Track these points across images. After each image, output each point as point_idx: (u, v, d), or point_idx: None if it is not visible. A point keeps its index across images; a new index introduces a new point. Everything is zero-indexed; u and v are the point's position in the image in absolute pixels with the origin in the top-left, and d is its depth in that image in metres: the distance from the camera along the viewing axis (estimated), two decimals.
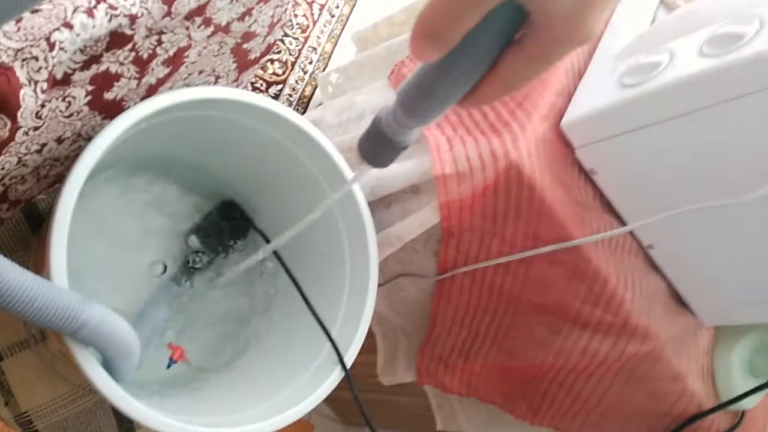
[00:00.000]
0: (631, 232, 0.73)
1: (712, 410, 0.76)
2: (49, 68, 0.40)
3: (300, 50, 1.33)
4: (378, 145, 0.39)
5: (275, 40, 0.64)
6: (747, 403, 0.78)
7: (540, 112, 0.66)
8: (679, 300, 0.78)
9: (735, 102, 0.54)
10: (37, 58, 0.39)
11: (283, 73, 1.28)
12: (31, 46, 0.38)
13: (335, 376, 0.61)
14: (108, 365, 0.47)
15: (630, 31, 0.71)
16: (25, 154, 0.49)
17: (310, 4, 1.37)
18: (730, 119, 0.56)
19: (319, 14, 1.39)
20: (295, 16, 1.32)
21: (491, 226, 0.69)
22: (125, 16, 0.42)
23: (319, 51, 1.36)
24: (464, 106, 0.33)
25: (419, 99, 0.32)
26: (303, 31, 1.34)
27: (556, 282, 0.70)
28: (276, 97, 1.29)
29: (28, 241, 0.67)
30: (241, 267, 0.62)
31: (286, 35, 1.30)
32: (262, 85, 1.24)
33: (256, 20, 0.57)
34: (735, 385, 0.79)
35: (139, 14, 0.43)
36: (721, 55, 0.53)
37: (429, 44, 0.28)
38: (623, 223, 0.72)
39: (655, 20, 0.71)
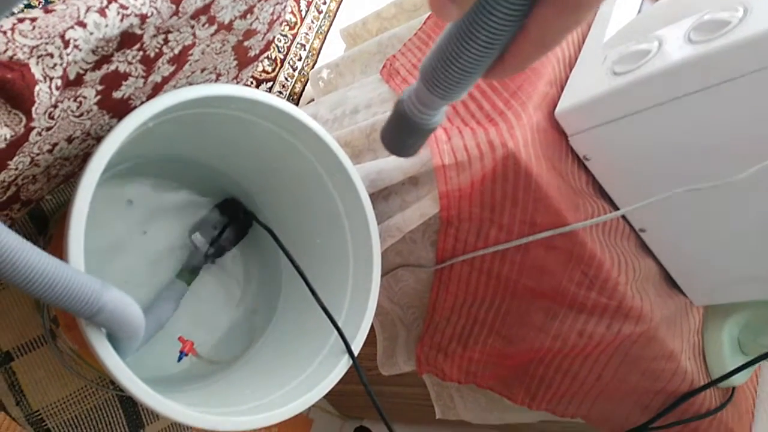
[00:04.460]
0: (623, 217, 0.75)
1: (704, 387, 0.79)
2: (64, 65, 0.41)
3: (288, 47, 1.33)
4: (402, 131, 0.36)
5: (274, 37, 0.65)
6: (737, 380, 0.80)
7: (534, 101, 0.68)
8: (670, 281, 0.80)
9: (723, 86, 0.57)
10: (52, 55, 0.40)
11: (273, 70, 1.29)
12: (46, 43, 0.39)
13: (343, 365, 0.62)
14: (111, 344, 0.48)
15: (618, 20, 0.73)
16: (38, 154, 0.49)
17: (297, 1, 1.38)
18: (718, 103, 0.58)
19: (307, 11, 1.39)
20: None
21: (489, 215, 0.71)
22: (136, 15, 0.43)
23: (307, 47, 1.37)
24: (492, 76, 0.30)
25: (442, 70, 0.29)
26: (291, 28, 1.35)
27: (552, 267, 0.72)
28: None
29: (35, 242, 0.67)
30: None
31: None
32: (252, 82, 1.24)
33: (257, 18, 0.58)
34: (725, 363, 0.82)
35: (149, 14, 0.44)
36: (708, 42, 0.55)
37: None
38: (616, 208, 0.74)
39: (642, 9, 0.73)
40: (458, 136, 0.69)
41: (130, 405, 0.73)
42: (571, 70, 0.73)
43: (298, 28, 1.37)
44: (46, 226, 0.68)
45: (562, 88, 0.71)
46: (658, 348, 0.75)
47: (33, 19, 0.39)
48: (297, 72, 1.34)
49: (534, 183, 0.66)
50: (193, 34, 0.53)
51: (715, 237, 0.71)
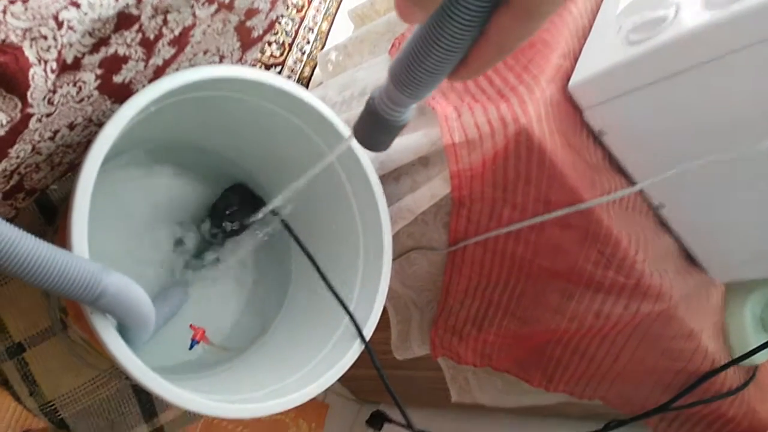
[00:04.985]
0: (641, 192, 0.73)
1: (726, 366, 0.77)
2: (59, 47, 0.40)
3: (296, 30, 1.32)
4: (373, 127, 0.37)
5: (277, 17, 0.64)
6: (760, 358, 0.78)
7: (547, 74, 0.65)
8: (690, 258, 0.78)
9: (742, 52, 0.54)
10: (45, 37, 0.39)
11: (281, 54, 1.27)
12: (40, 25, 0.38)
13: (355, 349, 0.61)
14: (122, 335, 0.47)
15: None
16: (39, 142, 0.48)
17: None
18: (738, 70, 0.56)
19: None
20: None
21: (502, 194, 0.69)
22: None
23: (315, 30, 1.35)
24: (456, 77, 0.31)
25: (410, 72, 0.31)
26: (299, 11, 1.33)
27: (567, 246, 0.71)
28: None
29: (44, 232, 0.67)
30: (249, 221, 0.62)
31: (282, 16, 1.29)
32: (260, 67, 1.23)
33: None
34: (747, 341, 0.80)
35: None
36: (727, 5, 0.53)
37: (414, 2, 0.27)
38: (633, 183, 0.72)
39: None
40: (468, 113, 0.68)
41: (144, 394, 0.73)
42: (584, 42, 0.71)
43: (306, 11, 1.35)
44: (55, 217, 0.67)
45: (576, 61, 0.69)
46: (678, 327, 0.73)
47: (25, 0, 0.38)
48: (306, 56, 1.32)
49: (548, 160, 0.64)
50: (193, 14, 0.51)
51: (736, 211, 0.69)
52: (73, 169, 0.59)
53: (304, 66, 1.32)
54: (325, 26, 1.38)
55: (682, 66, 0.58)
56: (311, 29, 1.35)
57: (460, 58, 0.30)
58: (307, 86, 1.33)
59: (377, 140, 0.39)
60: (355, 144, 0.68)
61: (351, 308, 0.65)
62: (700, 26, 0.55)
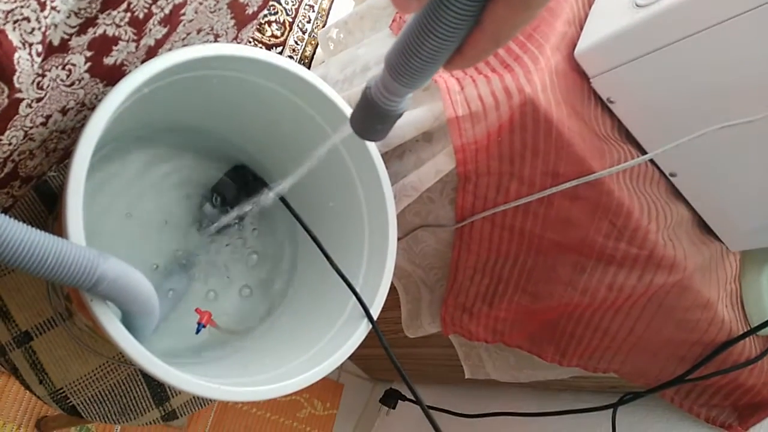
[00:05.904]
0: (652, 161, 0.71)
1: (743, 336, 0.76)
2: (42, 29, 0.38)
3: (297, 9, 1.29)
4: (370, 117, 0.38)
5: None
6: None
7: (552, 42, 0.63)
8: (704, 227, 0.77)
9: (751, 14, 0.52)
10: (29, 19, 0.37)
11: (282, 34, 1.26)
12: (21, 7, 0.37)
13: (363, 329, 0.61)
14: (128, 325, 0.47)
15: None
16: (31, 128, 0.48)
17: None
18: (749, 32, 0.54)
19: None
20: None
21: (508, 168, 0.67)
22: None
23: (316, 8, 1.33)
24: (452, 66, 0.31)
25: (406, 61, 0.31)
26: None
27: (578, 219, 0.69)
28: None
29: (45, 220, 0.66)
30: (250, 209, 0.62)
31: None
32: (261, 48, 1.21)
33: None
34: (765, 309, 0.78)
35: None
36: None
37: None
38: (644, 153, 0.70)
39: None
40: (472, 85, 0.66)
41: (153, 379, 0.73)
42: (590, 8, 0.69)
43: None
44: (56, 204, 0.67)
45: (582, 28, 0.67)
46: (693, 297, 0.72)
47: None
48: (307, 35, 1.30)
49: (555, 130, 0.62)
50: None
51: (751, 177, 0.67)
52: (69, 155, 0.58)
53: (305, 45, 1.30)
54: (326, 4, 1.35)
55: (692, 29, 0.55)
56: (311, 7, 1.32)
57: (455, 47, 0.30)
58: (309, 66, 1.31)
59: (374, 129, 0.39)
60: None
61: (357, 288, 0.64)
62: None
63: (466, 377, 1.07)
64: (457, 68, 0.32)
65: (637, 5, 0.58)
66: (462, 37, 0.29)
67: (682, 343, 0.77)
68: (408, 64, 0.31)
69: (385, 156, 0.74)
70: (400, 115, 0.38)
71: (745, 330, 0.77)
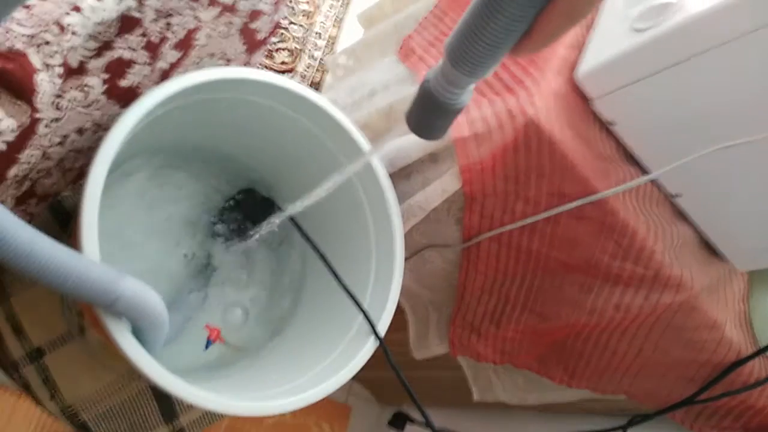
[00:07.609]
0: (656, 182, 0.72)
1: (752, 356, 0.75)
2: (63, 52, 0.40)
3: (306, 37, 1.33)
4: (429, 113, 0.34)
5: (281, 19, 0.64)
6: None
7: (553, 66, 0.65)
8: (709, 247, 0.77)
9: (751, 36, 0.53)
10: (49, 43, 0.39)
11: (292, 61, 1.29)
12: (43, 31, 0.39)
13: (370, 345, 0.61)
14: (139, 339, 0.48)
15: None
16: (49, 147, 0.49)
17: None
18: (747, 54, 0.55)
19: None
20: (299, 2, 1.32)
21: (514, 188, 0.68)
22: None
23: (325, 36, 1.36)
24: (520, 51, 0.28)
25: (468, 47, 0.28)
26: (307, 18, 1.34)
27: (583, 239, 0.70)
28: None
29: (59, 238, 0.68)
30: (262, 230, 0.63)
31: (291, 23, 1.31)
32: None
33: None
34: None
35: None
36: None
37: None
38: (647, 173, 0.71)
39: None
40: (475, 108, 0.67)
41: (163, 396, 0.73)
42: (590, 32, 0.70)
43: (315, 18, 1.36)
44: (69, 223, 0.68)
45: (582, 51, 0.68)
46: (700, 317, 0.72)
47: (29, 7, 0.39)
48: (316, 62, 1.33)
49: (558, 151, 0.63)
50: (196, 17, 0.52)
51: (756, 197, 0.67)
52: (84, 174, 0.60)
53: (315, 71, 1.33)
54: (334, 32, 1.39)
55: (691, 52, 0.57)
56: (320, 35, 1.36)
57: (524, 28, 0.27)
58: (318, 91, 1.34)
59: (433, 126, 0.36)
60: (364, 144, 0.68)
61: (365, 306, 0.64)
62: (707, 11, 0.54)
63: (475, 399, 1.06)
64: (525, 53, 0.29)
65: (636, 30, 0.60)
66: (532, 16, 0.26)
67: (690, 363, 0.77)
68: (472, 50, 0.28)
69: (392, 177, 0.75)
70: (460, 110, 0.34)
71: (754, 350, 0.76)
